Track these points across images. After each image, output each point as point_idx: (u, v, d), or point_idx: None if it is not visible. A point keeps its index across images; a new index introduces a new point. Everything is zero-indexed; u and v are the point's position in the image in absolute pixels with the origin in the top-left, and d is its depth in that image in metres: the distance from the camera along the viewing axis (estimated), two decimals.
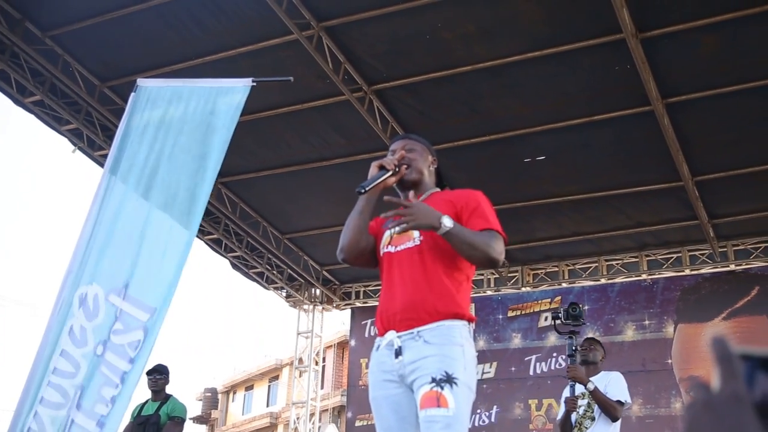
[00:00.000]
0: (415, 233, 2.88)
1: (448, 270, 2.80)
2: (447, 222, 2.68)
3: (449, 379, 2.58)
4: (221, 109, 3.89)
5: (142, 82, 4.16)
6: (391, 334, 2.76)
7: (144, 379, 6.68)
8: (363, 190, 2.91)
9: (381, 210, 2.99)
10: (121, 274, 3.61)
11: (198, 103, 3.94)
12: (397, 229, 2.90)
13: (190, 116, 3.91)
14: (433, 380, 2.58)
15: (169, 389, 6.80)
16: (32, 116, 8.92)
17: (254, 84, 3.99)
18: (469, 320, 2.78)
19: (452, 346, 2.66)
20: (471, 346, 2.75)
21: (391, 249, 2.92)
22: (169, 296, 3.54)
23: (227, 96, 3.94)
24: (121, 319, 3.52)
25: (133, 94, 4.11)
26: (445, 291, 2.76)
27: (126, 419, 6.68)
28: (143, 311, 3.53)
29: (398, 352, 2.71)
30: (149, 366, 6.76)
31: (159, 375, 6.67)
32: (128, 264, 3.64)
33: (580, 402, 5.39)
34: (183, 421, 6.67)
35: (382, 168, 2.96)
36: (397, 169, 2.98)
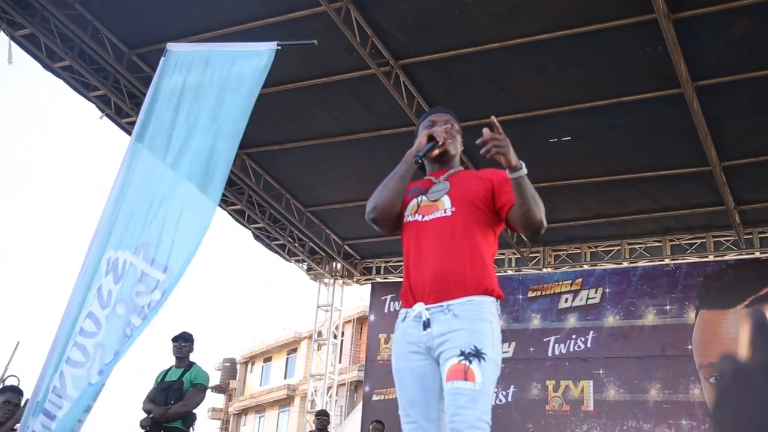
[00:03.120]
0: (447, 203, 2.86)
1: (480, 244, 2.79)
2: (524, 167, 2.65)
3: (478, 354, 2.58)
4: (246, 72, 3.85)
5: (172, 47, 4.12)
6: (419, 306, 2.73)
7: (170, 346, 6.77)
8: (420, 160, 2.93)
9: (415, 177, 3.01)
10: (147, 240, 3.62)
11: (224, 67, 3.90)
12: (423, 197, 2.90)
13: (216, 81, 3.88)
14: (462, 353, 2.57)
15: (192, 357, 6.89)
16: (61, 81, 8.99)
17: (279, 48, 3.92)
18: (498, 297, 2.77)
19: (481, 322, 2.66)
20: (498, 323, 2.74)
21: (419, 218, 2.88)
22: (189, 260, 3.55)
23: (253, 60, 3.89)
24: (143, 281, 3.54)
25: (162, 59, 4.08)
26: (478, 264, 2.75)
27: (150, 385, 6.79)
28: (161, 272, 3.55)
29: (426, 324, 2.69)
30: (174, 333, 6.84)
31: (184, 342, 6.75)
32: (155, 231, 3.64)
33: None
34: (205, 388, 6.75)
35: (431, 138, 2.97)
36: (441, 143, 2.98)
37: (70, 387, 3.38)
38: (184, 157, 3.77)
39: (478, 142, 2.65)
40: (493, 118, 2.66)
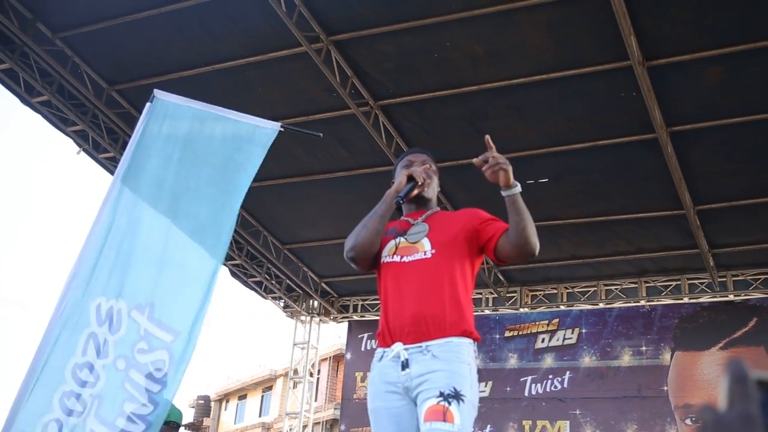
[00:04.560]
0: (427, 245, 2.88)
1: (459, 286, 2.81)
2: (519, 185, 2.74)
3: (457, 396, 2.59)
4: (248, 150, 3.92)
5: (160, 95, 4.10)
6: (397, 346, 2.74)
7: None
8: (402, 200, 2.97)
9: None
10: (143, 292, 3.60)
11: (225, 135, 3.94)
12: (401, 239, 2.92)
13: (216, 148, 3.92)
14: (441, 394, 2.59)
15: None
16: (39, 116, 8.96)
17: (281, 130, 4.02)
18: (475, 339, 2.80)
19: (461, 364, 2.68)
20: (475, 365, 2.76)
21: (397, 259, 2.90)
22: (198, 322, 3.53)
23: (254, 135, 3.96)
24: (146, 339, 3.52)
25: (149, 104, 4.07)
26: (457, 307, 2.77)
27: None
28: (167, 333, 3.54)
29: (405, 365, 2.70)
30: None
31: None
32: (151, 283, 3.63)
33: None
34: (178, 426, 6.65)
35: (411, 178, 3.01)
36: (420, 183, 3.02)
37: None
38: (187, 218, 3.78)
39: (477, 160, 2.72)
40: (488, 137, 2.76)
